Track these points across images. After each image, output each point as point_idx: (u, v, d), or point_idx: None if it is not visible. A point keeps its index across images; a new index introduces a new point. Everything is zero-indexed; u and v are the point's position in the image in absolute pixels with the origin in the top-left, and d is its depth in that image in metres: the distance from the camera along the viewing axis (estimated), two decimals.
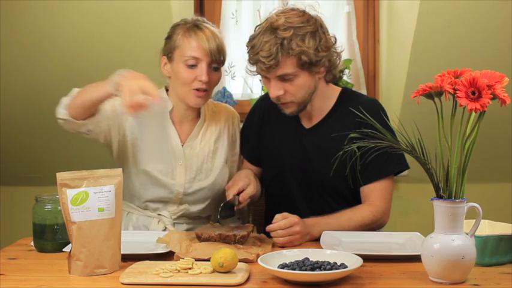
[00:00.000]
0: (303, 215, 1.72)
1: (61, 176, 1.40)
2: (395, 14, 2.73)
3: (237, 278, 1.32)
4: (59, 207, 1.43)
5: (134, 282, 1.31)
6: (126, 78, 1.56)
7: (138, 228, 1.90)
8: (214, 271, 1.35)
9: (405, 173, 1.88)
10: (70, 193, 1.39)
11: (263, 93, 2.49)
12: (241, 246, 1.56)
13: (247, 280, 1.33)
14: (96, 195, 1.40)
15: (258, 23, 1.80)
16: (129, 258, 1.46)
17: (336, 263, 1.34)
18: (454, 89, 1.26)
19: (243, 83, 2.95)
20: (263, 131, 1.99)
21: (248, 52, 1.78)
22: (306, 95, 1.79)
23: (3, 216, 3.06)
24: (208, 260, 1.39)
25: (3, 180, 3.06)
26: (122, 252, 1.45)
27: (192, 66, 1.82)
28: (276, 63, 1.70)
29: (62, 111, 1.74)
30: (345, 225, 1.76)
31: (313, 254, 1.41)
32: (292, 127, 1.92)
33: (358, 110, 1.65)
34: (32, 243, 1.64)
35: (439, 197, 1.30)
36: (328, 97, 1.90)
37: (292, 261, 1.36)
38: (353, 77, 2.94)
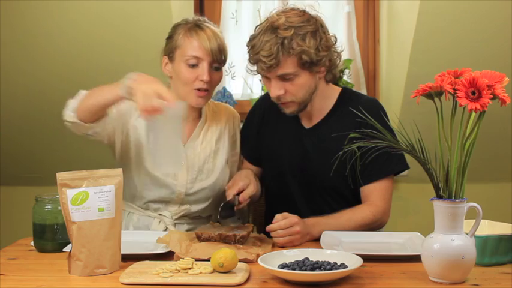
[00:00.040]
0: (303, 215, 1.72)
1: (61, 176, 1.40)
2: (395, 14, 2.73)
3: (237, 278, 1.32)
4: (59, 207, 1.43)
5: (134, 282, 1.31)
6: (138, 81, 1.55)
7: (138, 228, 1.90)
8: (214, 271, 1.35)
9: (405, 173, 1.88)
10: (70, 193, 1.39)
11: (263, 93, 2.49)
12: (241, 246, 1.56)
13: (247, 280, 1.33)
14: (96, 195, 1.40)
15: (258, 23, 1.80)
16: (129, 258, 1.46)
17: (336, 263, 1.34)
18: (454, 89, 1.26)
19: (243, 83, 2.96)
20: (263, 131, 1.99)
21: (248, 52, 1.78)
22: (307, 94, 1.79)
23: (3, 216, 3.06)
24: (208, 260, 1.39)
25: (3, 180, 3.06)
26: (122, 252, 1.45)
27: (193, 66, 1.82)
28: (277, 62, 1.70)
29: (69, 114, 1.72)
30: (345, 225, 1.76)
31: (313, 254, 1.41)
32: (292, 127, 1.92)
33: (358, 110, 1.65)
34: (32, 243, 1.64)
35: (439, 197, 1.30)
36: (328, 97, 1.90)
37: (292, 261, 1.36)
38: (353, 77, 2.94)
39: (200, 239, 1.60)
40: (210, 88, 1.86)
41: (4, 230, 2.94)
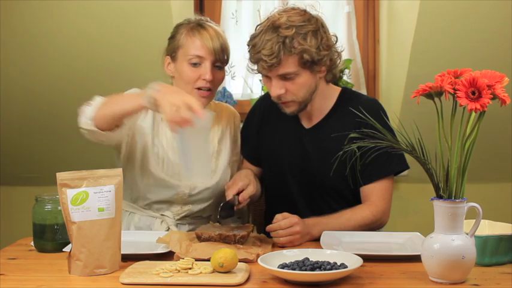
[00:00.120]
0: (303, 215, 1.72)
1: (61, 176, 1.40)
2: (395, 14, 2.73)
3: (237, 278, 1.32)
4: (59, 207, 1.43)
5: (134, 282, 1.31)
6: (163, 92, 1.52)
7: (140, 228, 1.90)
8: (214, 271, 1.35)
9: (405, 173, 1.88)
10: (70, 193, 1.39)
11: (263, 93, 2.49)
12: (241, 246, 1.56)
13: (247, 280, 1.33)
14: (96, 195, 1.40)
15: (258, 23, 1.80)
16: (129, 258, 1.46)
17: (336, 263, 1.34)
18: (454, 89, 1.26)
19: (243, 83, 2.96)
20: (263, 131, 1.99)
21: (249, 51, 1.78)
22: (307, 94, 1.79)
23: (3, 216, 3.06)
24: (208, 260, 1.39)
25: (3, 180, 3.06)
26: (122, 252, 1.45)
27: (195, 65, 1.82)
28: (278, 61, 1.70)
29: (86, 122, 1.67)
30: (345, 225, 1.76)
31: (313, 254, 1.41)
32: (292, 127, 1.92)
33: (358, 110, 1.65)
34: (32, 243, 1.64)
35: (439, 197, 1.30)
36: (328, 97, 1.90)
37: (292, 261, 1.36)
38: (353, 77, 2.94)
39: (200, 239, 1.60)
40: (213, 87, 1.86)
41: (4, 230, 2.94)
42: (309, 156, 1.88)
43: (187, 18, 1.91)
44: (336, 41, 1.82)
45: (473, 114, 1.27)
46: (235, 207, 1.77)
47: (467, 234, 1.30)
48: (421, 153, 1.32)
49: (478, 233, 1.35)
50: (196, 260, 1.41)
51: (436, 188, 1.31)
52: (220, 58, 1.85)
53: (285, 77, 1.74)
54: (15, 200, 3.03)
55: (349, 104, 1.84)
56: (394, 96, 2.79)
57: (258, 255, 1.47)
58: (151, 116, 1.88)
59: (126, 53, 2.63)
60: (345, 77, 2.74)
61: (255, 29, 1.78)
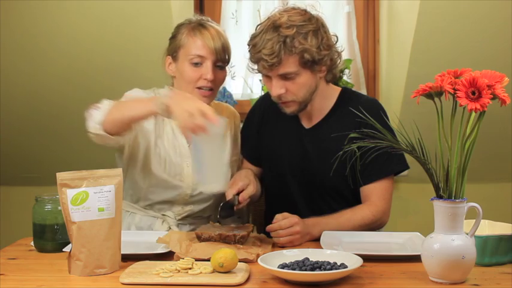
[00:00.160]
0: (303, 215, 1.72)
1: (61, 176, 1.40)
2: (395, 14, 2.73)
3: (237, 278, 1.32)
4: (59, 207, 1.43)
5: (134, 282, 1.31)
6: (175, 99, 1.52)
7: (141, 228, 1.90)
8: (214, 271, 1.35)
9: (405, 173, 1.88)
10: (70, 193, 1.39)
11: (263, 93, 2.49)
12: (241, 246, 1.56)
13: (247, 280, 1.33)
14: (96, 195, 1.40)
15: (258, 23, 1.80)
16: (129, 258, 1.46)
17: (336, 263, 1.34)
18: (454, 89, 1.26)
19: (243, 83, 2.96)
20: (263, 131, 1.99)
21: (250, 51, 1.78)
22: (307, 94, 1.79)
23: (3, 216, 3.06)
24: (208, 260, 1.39)
25: (3, 180, 3.06)
26: (122, 252, 1.45)
27: (197, 65, 1.83)
28: (279, 61, 1.70)
29: (95, 126, 1.66)
30: (344, 225, 1.76)
31: (313, 254, 1.41)
32: (292, 127, 1.92)
33: (358, 110, 1.65)
34: (32, 243, 1.64)
35: (439, 197, 1.30)
36: (328, 97, 1.90)
37: (292, 261, 1.36)
38: (353, 77, 2.94)
39: (200, 239, 1.60)
40: (215, 87, 1.86)
41: (4, 230, 2.94)
42: (309, 156, 1.88)
43: (188, 18, 1.91)
44: (337, 41, 1.82)
45: (473, 114, 1.27)
46: (235, 207, 1.77)
47: (467, 234, 1.30)
48: (421, 153, 1.32)
49: (478, 233, 1.35)
50: (196, 260, 1.41)
51: (436, 188, 1.31)
52: (221, 58, 1.85)
53: (285, 77, 1.74)
54: (15, 200, 3.03)
55: (349, 104, 1.83)
56: (394, 96, 2.79)
57: (258, 255, 1.47)
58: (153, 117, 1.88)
59: (126, 53, 2.63)
60: (345, 77, 2.74)
61: (256, 29, 1.78)
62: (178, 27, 1.90)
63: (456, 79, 1.27)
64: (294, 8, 1.78)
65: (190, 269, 1.36)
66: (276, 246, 1.65)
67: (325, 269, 1.30)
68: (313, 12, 1.78)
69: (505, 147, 2.82)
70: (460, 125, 1.28)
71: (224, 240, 1.58)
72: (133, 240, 1.63)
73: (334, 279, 1.30)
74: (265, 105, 1.98)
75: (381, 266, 1.44)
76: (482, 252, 1.40)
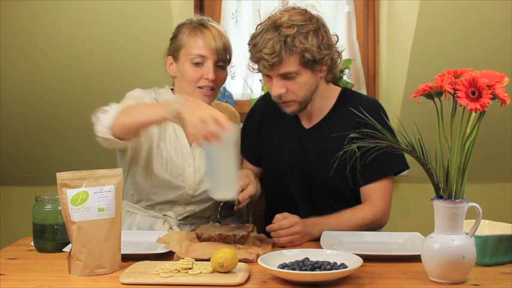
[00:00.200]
0: (303, 215, 1.72)
1: (61, 176, 1.40)
2: (395, 14, 2.73)
3: (237, 278, 1.32)
4: (59, 207, 1.43)
5: (134, 282, 1.31)
6: (187, 106, 1.50)
7: (142, 228, 1.89)
8: (214, 271, 1.35)
9: (405, 173, 1.88)
10: (70, 193, 1.39)
11: (263, 93, 2.49)
12: (241, 246, 1.55)
13: (247, 280, 1.33)
14: (96, 195, 1.40)
15: (259, 23, 1.80)
16: (129, 258, 1.46)
17: (336, 263, 1.34)
18: (454, 89, 1.26)
19: (243, 83, 2.96)
20: (263, 131, 1.98)
21: (250, 50, 1.77)
22: (308, 93, 1.79)
23: (3, 216, 3.06)
24: (208, 260, 1.39)
25: (3, 180, 3.06)
26: (122, 252, 1.45)
27: (198, 65, 1.83)
28: (280, 60, 1.70)
29: (103, 130, 1.64)
30: (344, 225, 1.76)
31: (313, 254, 1.41)
32: (292, 127, 1.92)
33: (358, 110, 1.65)
34: (32, 243, 1.64)
35: (439, 197, 1.30)
36: (328, 97, 1.90)
37: (292, 261, 1.36)
38: (353, 77, 2.94)
39: (200, 239, 1.60)
40: (216, 87, 1.86)
41: (4, 230, 2.94)
42: (309, 156, 1.88)
43: (189, 18, 1.91)
44: (337, 41, 1.82)
45: (473, 114, 1.27)
46: (235, 207, 1.77)
47: (467, 234, 1.30)
48: (421, 153, 1.32)
49: (478, 233, 1.35)
50: (196, 260, 1.41)
51: (436, 188, 1.31)
52: (222, 58, 1.85)
53: (286, 76, 1.74)
54: (15, 200, 3.03)
55: (349, 104, 1.83)
56: (394, 96, 2.79)
57: (258, 255, 1.47)
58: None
59: (126, 53, 2.63)
60: (345, 77, 2.74)
61: (256, 28, 1.78)
62: (179, 27, 1.90)
63: (456, 79, 1.27)
64: (294, 8, 1.78)
65: (190, 269, 1.36)
66: (276, 246, 1.65)
67: (325, 269, 1.30)
68: (314, 12, 1.78)
69: (505, 147, 2.82)
70: (460, 125, 1.28)
71: (224, 240, 1.58)
72: (133, 240, 1.63)
73: (334, 279, 1.30)
74: (265, 105, 1.98)
75: (381, 266, 1.43)
76: (482, 252, 1.40)
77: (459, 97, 1.24)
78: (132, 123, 1.63)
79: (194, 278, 1.31)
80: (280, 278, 1.32)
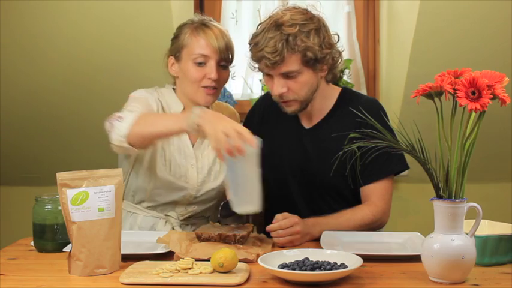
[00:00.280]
0: (302, 215, 1.72)
1: (61, 176, 1.40)
2: (395, 14, 2.73)
3: (237, 278, 1.32)
4: (59, 207, 1.43)
5: (134, 282, 1.31)
6: (208, 119, 1.49)
7: (143, 229, 1.89)
8: (214, 271, 1.35)
9: (405, 173, 1.88)
10: (70, 193, 1.39)
11: (263, 93, 2.49)
12: (241, 246, 1.56)
13: (247, 280, 1.33)
14: (96, 195, 1.40)
15: (259, 22, 1.80)
16: (129, 258, 1.46)
17: (336, 263, 1.34)
18: (454, 89, 1.26)
19: (243, 83, 2.96)
20: (263, 131, 1.98)
21: (251, 49, 1.77)
22: (309, 93, 1.79)
23: (3, 216, 3.06)
24: (208, 260, 1.39)
25: (3, 180, 3.06)
26: (122, 252, 1.45)
27: (200, 64, 1.82)
28: (281, 59, 1.70)
29: (119, 139, 1.64)
30: (344, 225, 1.76)
31: (313, 254, 1.41)
32: (292, 127, 1.92)
33: (358, 110, 1.65)
34: (32, 243, 1.64)
35: (439, 197, 1.30)
36: (328, 97, 1.90)
37: (292, 261, 1.36)
38: (353, 77, 2.94)
39: (200, 239, 1.60)
40: (218, 86, 1.86)
41: (4, 230, 2.94)
42: (309, 156, 1.88)
43: (190, 19, 1.91)
44: (338, 40, 1.82)
45: (473, 114, 1.27)
46: None
47: (467, 234, 1.30)
48: (421, 153, 1.32)
49: (478, 233, 1.35)
50: (196, 260, 1.41)
51: (436, 188, 1.31)
52: (225, 57, 1.85)
53: (287, 76, 1.74)
54: (15, 200, 3.03)
55: (349, 104, 1.83)
56: (394, 96, 2.79)
57: (258, 255, 1.47)
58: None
59: (126, 53, 2.63)
60: (345, 77, 2.74)
61: (257, 28, 1.78)
62: (181, 28, 1.89)
63: (456, 79, 1.27)
64: (295, 8, 1.78)
65: (190, 269, 1.36)
66: (276, 246, 1.65)
67: (325, 269, 1.30)
68: (314, 12, 1.78)
69: (505, 147, 2.82)
70: (460, 125, 1.28)
71: (224, 240, 1.58)
72: (133, 240, 1.63)
73: (334, 279, 1.30)
74: (265, 105, 1.98)
75: (381, 266, 1.44)
76: (482, 252, 1.40)
77: (459, 97, 1.24)
78: (150, 133, 1.63)
79: (194, 278, 1.31)
80: (280, 278, 1.32)
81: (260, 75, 1.86)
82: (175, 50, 1.87)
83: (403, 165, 1.84)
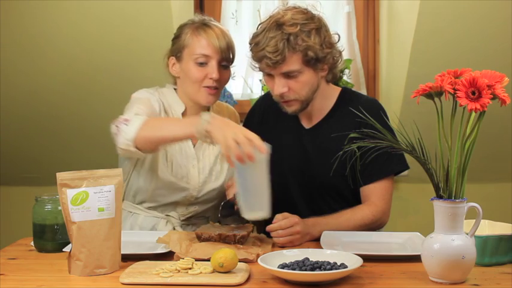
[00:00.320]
0: (303, 215, 1.72)
1: (61, 176, 1.40)
2: (395, 14, 2.73)
3: (237, 278, 1.32)
4: (59, 207, 1.43)
5: (134, 282, 1.31)
6: (216, 126, 1.49)
7: (144, 229, 1.89)
8: (214, 271, 1.35)
9: (405, 173, 1.88)
10: (70, 193, 1.39)
11: (263, 93, 2.49)
12: (241, 246, 1.56)
13: (247, 280, 1.33)
14: (96, 195, 1.40)
15: (259, 22, 1.80)
16: (129, 258, 1.46)
17: (336, 263, 1.34)
18: (454, 89, 1.26)
19: (243, 83, 2.96)
20: (263, 131, 1.97)
21: (252, 49, 1.77)
22: (310, 92, 1.79)
23: (3, 216, 3.06)
24: (208, 260, 1.39)
25: (3, 180, 3.06)
26: (122, 252, 1.45)
27: (202, 64, 1.82)
28: (283, 58, 1.70)
29: (126, 143, 1.62)
30: (344, 225, 1.76)
31: (313, 254, 1.41)
32: (292, 127, 1.92)
33: (358, 110, 1.65)
34: (32, 243, 1.64)
35: (439, 197, 1.30)
36: (328, 97, 1.89)
37: (292, 261, 1.36)
38: (353, 77, 2.94)
39: (200, 239, 1.60)
40: (220, 86, 1.86)
41: (4, 230, 2.94)
42: (309, 156, 1.88)
43: (191, 19, 1.91)
44: (338, 40, 1.82)
45: (473, 114, 1.27)
46: (235, 207, 1.76)
47: (467, 234, 1.30)
48: (421, 153, 1.32)
49: (478, 233, 1.35)
50: (196, 260, 1.41)
51: (436, 188, 1.31)
52: (226, 57, 1.84)
53: (288, 75, 1.74)
54: (15, 200, 3.03)
55: (349, 104, 1.83)
56: (394, 96, 2.79)
57: (258, 255, 1.47)
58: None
59: (126, 53, 2.63)
60: (345, 77, 2.74)
61: (257, 28, 1.78)
62: (182, 28, 1.89)
63: (456, 79, 1.27)
64: (295, 7, 1.78)
65: (190, 269, 1.36)
66: (276, 246, 1.65)
67: (325, 269, 1.30)
68: (314, 12, 1.78)
69: (505, 147, 2.82)
70: (460, 125, 1.28)
71: (224, 240, 1.58)
72: (133, 240, 1.63)
73: (334, 279, 1.30)
74: (265, 105, 1.98)
75: (381, 266, 1.44)
76: (482, 252, 1.40)
77: (459, 97, 1.24)
78: (157, 137, 1.63)
79: (194, 278, 1.31)
80: (280, 278, 1.32)
81: (260, 75, 1.86)
82: (176, 50, 1.87)
83: (403, 165, 1.84)
